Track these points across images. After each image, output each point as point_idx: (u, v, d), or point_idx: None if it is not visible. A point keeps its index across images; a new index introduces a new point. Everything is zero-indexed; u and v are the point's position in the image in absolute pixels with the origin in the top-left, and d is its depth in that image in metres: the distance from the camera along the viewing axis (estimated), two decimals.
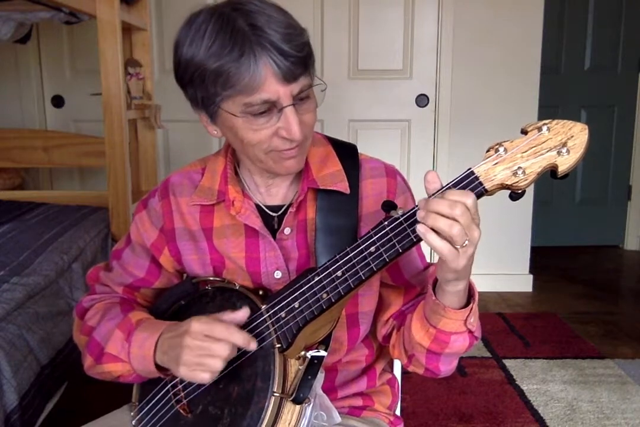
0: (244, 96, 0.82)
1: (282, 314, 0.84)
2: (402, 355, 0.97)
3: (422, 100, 3.19)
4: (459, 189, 0.73)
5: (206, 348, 0.80)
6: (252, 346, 0.82)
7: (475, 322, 0.87)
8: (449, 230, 0.71)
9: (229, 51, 0.80)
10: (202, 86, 0.84)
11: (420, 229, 0.72)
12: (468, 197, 0.71)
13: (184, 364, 0.81)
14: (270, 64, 0.80)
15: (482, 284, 3.23)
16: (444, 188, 0.74)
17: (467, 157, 3.13)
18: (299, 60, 0.83)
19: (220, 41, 0.81)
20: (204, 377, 0.81)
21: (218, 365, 0.80)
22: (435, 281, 0.84)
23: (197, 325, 0.82)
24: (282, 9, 0.86)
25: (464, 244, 0.72)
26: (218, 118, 0.89)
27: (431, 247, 0.72)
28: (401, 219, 0.76)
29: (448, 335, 0.86)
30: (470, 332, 0.87)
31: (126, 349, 0.92)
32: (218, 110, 0.87)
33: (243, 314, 0.84)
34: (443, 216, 0.71)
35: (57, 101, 3.29)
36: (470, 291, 0.85)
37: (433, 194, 0.74)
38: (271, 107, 0.84)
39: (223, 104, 0.85)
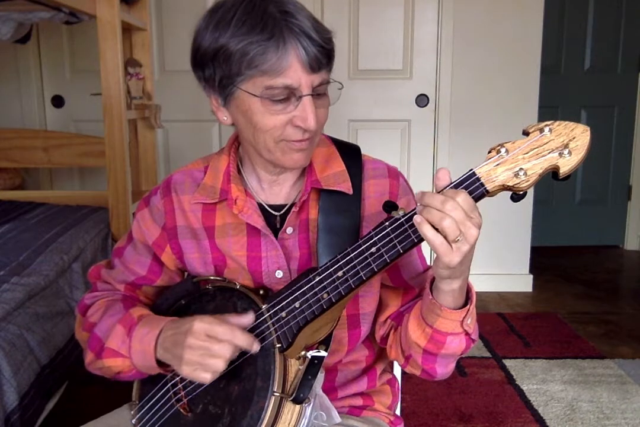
0: (267, 78, 0.82)
1: (283, 313, 0.84)
2: (400, 356, 0.97)
3: (422, 100, 3.19)
4: (460, 189, 0.73)
5: (208, 348, 0.81)
6: (255, 347, 0.82)
7: (472, 324, 0.87)
8: (439, 222, 0.72)
9: (259, 32, 0.81)
10: (224, 65, 0.84)
11: (416, 219, 0.73)
12: (458, 195, 0.72)
13: (186, 363, 0.82)
14: (298, 49, 0.81)
15: (482, 284, 3.25)
16: (446, 188, 0.75)
17: (467, 157, 3.13)
18: (326, 51, 0.84)
19: (250, 23, 0.81)
20: (205, 377, 0.81)
21: (220, 365, 0.81)
22: (433, 280, 0.85)
23: (200, 325, 0.82)
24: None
25: (457, 239, 0.72)
26: (233, 101, 0.88)
27: (425, 239, 0.74)
28: (402, 219, 0.77)
29: (444, 335, 0.86)
30: (467, 334, 0.88)
31: (127, 344, 0.91)
32: (236, 92, 0.86)
33: (248, 319, 0.85)
34: (436, 209, 0.72)
35: (57, 101, 3.29)
36: (468, 294, 0.85)
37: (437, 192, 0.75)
38: (290, 95, 0.84)
39: (243, 84, 0.85)
